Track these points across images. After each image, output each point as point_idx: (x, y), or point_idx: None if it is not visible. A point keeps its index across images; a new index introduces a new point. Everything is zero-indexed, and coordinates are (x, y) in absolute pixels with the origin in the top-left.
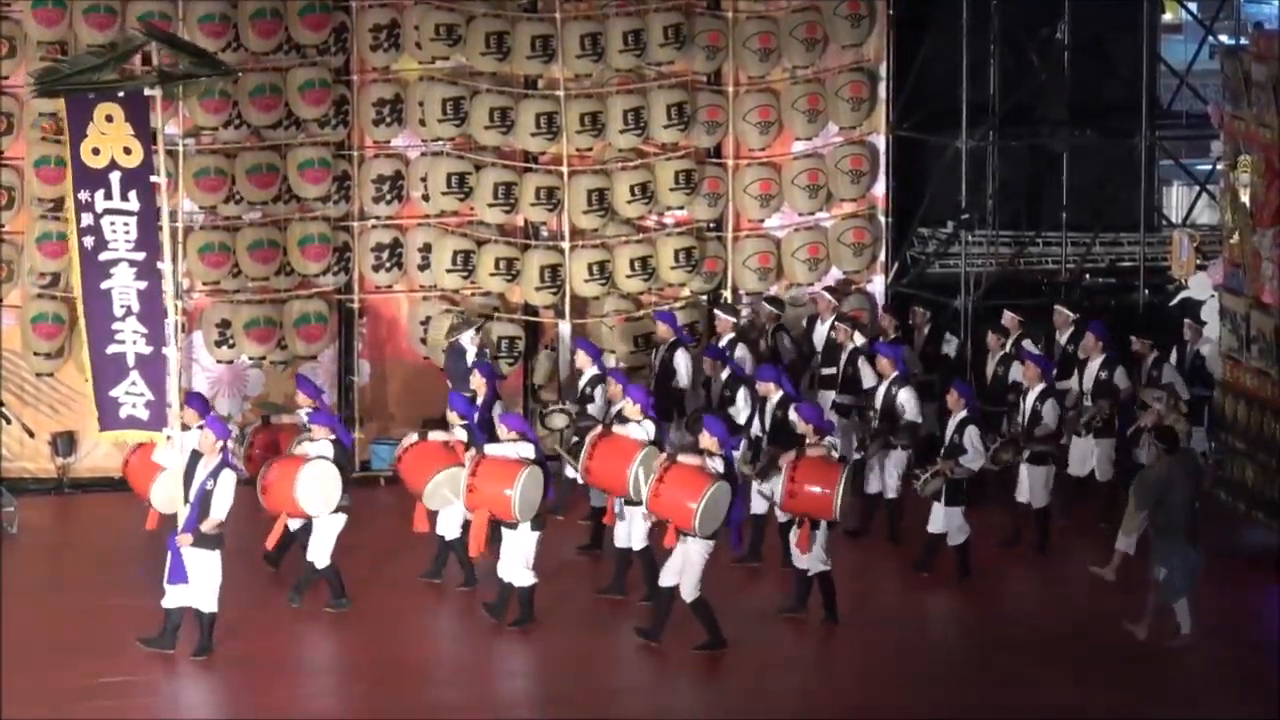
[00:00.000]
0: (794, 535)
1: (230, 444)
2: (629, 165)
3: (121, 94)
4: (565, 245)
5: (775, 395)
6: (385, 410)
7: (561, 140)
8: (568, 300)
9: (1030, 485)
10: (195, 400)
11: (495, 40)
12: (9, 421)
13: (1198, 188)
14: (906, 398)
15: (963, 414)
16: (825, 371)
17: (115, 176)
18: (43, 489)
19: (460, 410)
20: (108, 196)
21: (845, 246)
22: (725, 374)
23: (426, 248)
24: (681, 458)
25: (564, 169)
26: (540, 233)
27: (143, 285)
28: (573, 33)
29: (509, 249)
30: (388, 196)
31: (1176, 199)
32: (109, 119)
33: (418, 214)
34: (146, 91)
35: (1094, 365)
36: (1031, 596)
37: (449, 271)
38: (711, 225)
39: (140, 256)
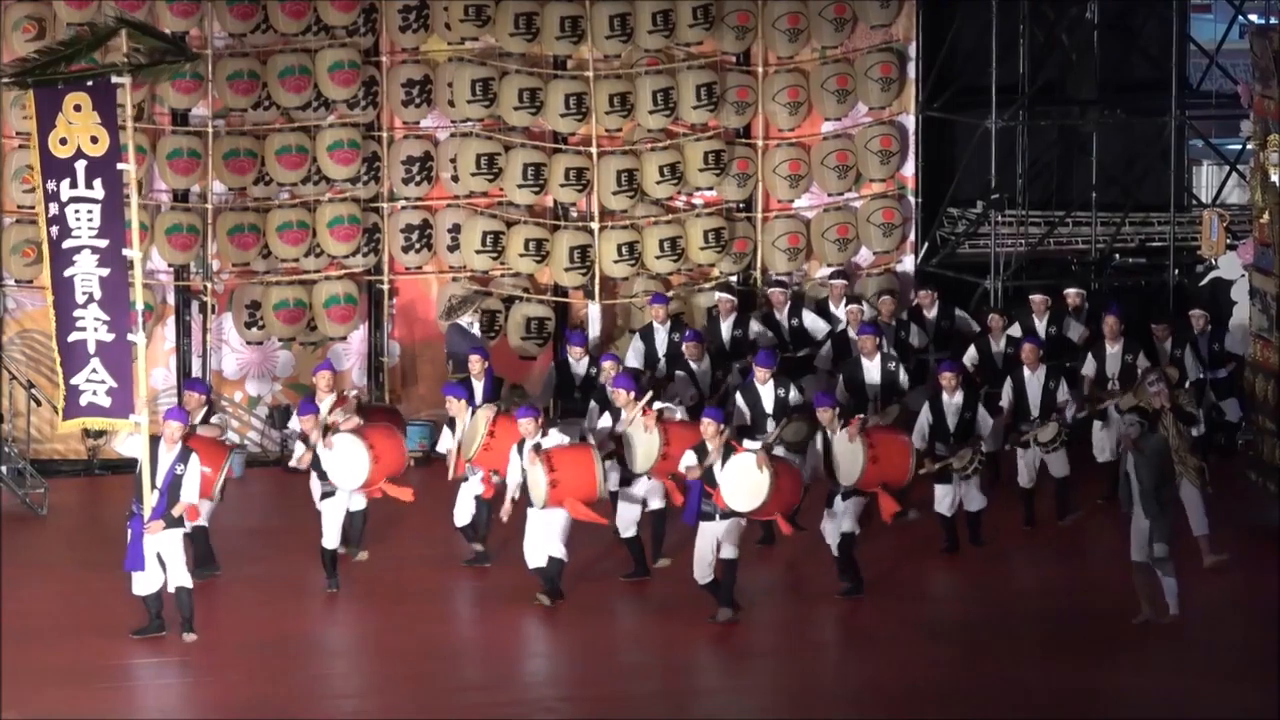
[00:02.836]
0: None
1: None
2: (658, 146)
3: (90, 83)
4: (594, 226)
5: (769, 380)
6: (416, 391)
7: (590, 121)
8: (597, 281)
9: (1050, 464)
10: (196, 385)
11: (524, 21)
12: (39, 403)
13: (1227, 167)
14: (903, 374)
15: (960, 392)
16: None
17: (80, 165)
18: (73, 470)
19: (459, 396)
20: (73, 185)
21: (875, 227)
22: (707, 360)
23: (456, 229)
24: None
25: (593, 150)
26: (569, 213)
27: (105, 272)
28: (602, 13)
29: (538, 230)
30: (417, 178)
31: (1206, 178)
32: (77, 108)
33: (447, 195)
34: (114, 79)
35: (1116, 348)
36: (1046, 572)
37: (478, 252)
38: (741, 206)
39: (103, 244)
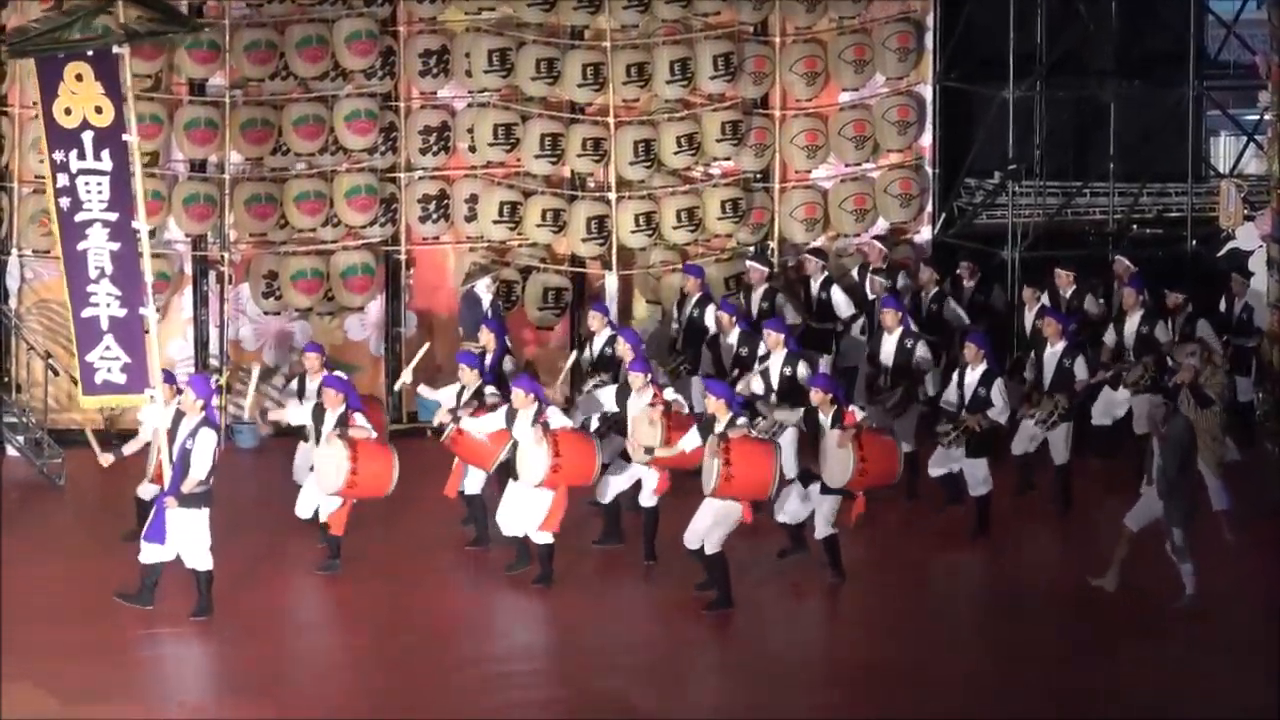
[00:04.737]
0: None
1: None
2: (675, 116)
3: (90, 53)
4: (612, 196)
5: (780, 351)
6: (432, 361)
7: (608, 91)
8: (614, 252)
9: (1051, 442)
10: (197, 382)
11: None
12: (56, 374)
13: (1245, 138)
14: (923, 352)
15: (984, 366)
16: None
17: (88, 136)
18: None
19: (471, 365)
20: (81, 156)
21: (892, 197)
22: (736, 332)
23: (473, 199)
24: (732, 434)
25: (610, 120)
26: (587, 184)
27: (116, 246)
28: None
29: (555, 200)
30: (434, 148)
31: (1224, 149)
32: (79, 78)
33: (464, 165)
34: (115, 49)
35: (1134, 320)
36: (1051, 555)
37: (495, 223)
38: (758, 176)
39: (113, 217)
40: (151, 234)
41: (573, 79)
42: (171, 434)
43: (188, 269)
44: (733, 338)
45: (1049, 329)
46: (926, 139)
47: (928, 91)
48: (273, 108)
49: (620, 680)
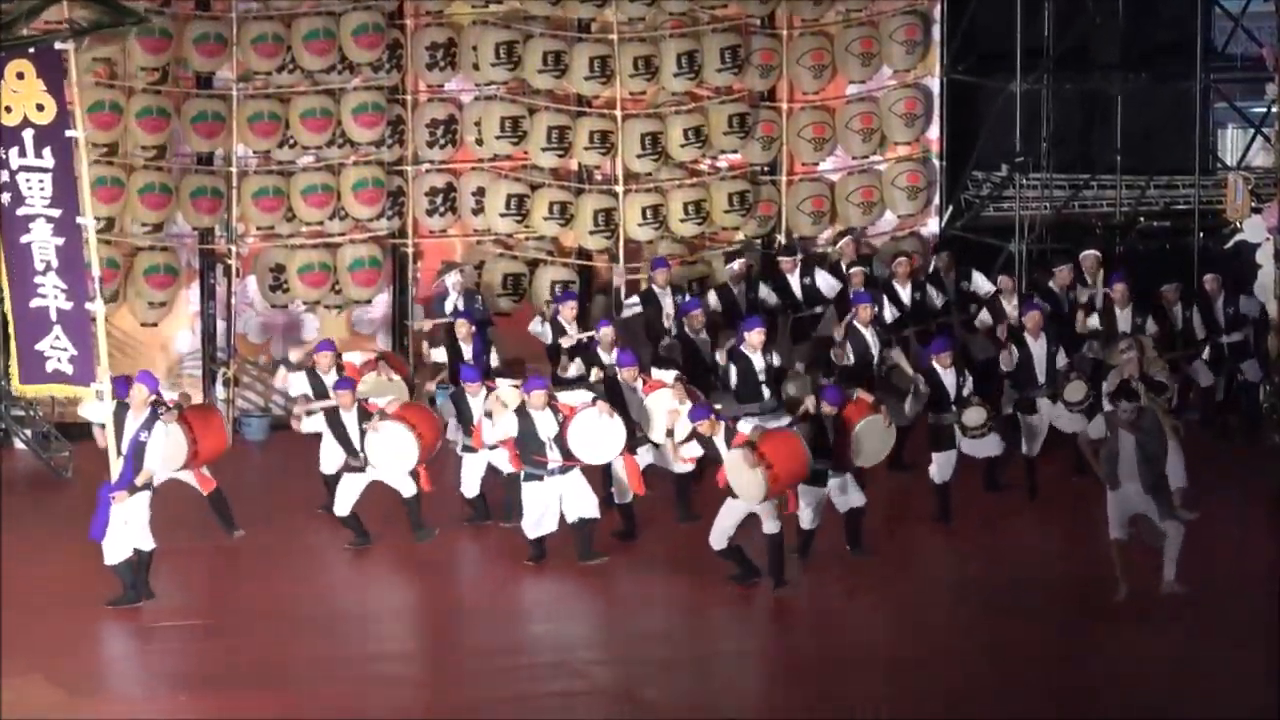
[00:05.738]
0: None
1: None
2: (682, 109)
3: (32, 50)
4: (619, 189)
5: (757, 352)
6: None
7: (615, 84)
8: (621, 244)
9: (1025, 432)
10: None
11: None
12: None
13: (1252, 130)
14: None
15: (953, 369)
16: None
17: (28, 134)
18: None
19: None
20: (21, 154)
21: (899, 190)
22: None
23: (480, 192)
24: (755, 437)
25: (617, 113)
26: (594, 177)
27: (61, 241)
28: None
29: (562, 193)
30: (441, 141)
31: (1231, 142)
32: (20, 76)
33: (471, 158)
34: (58, 46)
35: (1127, 313)
36: (1051, 551)
37: (502, 216)
38: (765, 169)
39: (57, 213)
40: (159, 227)
41: (580, 72)
42: (118, 428)
43: (195, 263)
44: (703, 335)
45: (1030, 322)
46: (934, 132)
47: (935, 84)
48: (280, 100)
49: (630, 673)
